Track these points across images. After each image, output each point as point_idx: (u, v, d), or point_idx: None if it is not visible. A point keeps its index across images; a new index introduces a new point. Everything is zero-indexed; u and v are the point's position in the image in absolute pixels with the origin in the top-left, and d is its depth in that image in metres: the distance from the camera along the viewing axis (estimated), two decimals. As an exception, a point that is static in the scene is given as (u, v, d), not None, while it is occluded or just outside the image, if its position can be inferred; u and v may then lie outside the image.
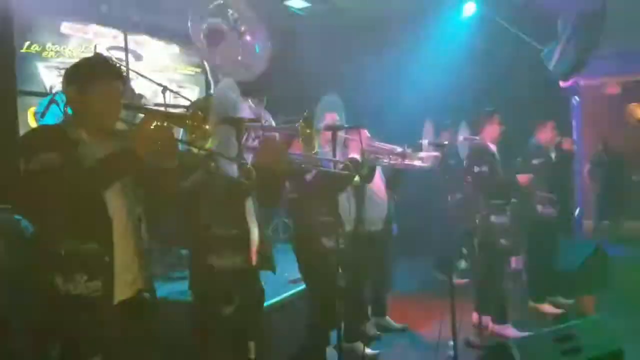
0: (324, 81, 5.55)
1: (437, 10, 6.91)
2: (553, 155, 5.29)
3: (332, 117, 3.23)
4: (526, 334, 4.25)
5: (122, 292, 2.09)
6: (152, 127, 1.97)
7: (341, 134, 2.90)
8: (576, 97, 9.37)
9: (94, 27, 5.76)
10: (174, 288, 4.51)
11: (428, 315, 5.09)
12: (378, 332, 4.63)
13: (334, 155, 2.60)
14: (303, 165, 2.80)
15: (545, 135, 5.22)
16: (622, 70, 9.27)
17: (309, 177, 3.20)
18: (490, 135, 4.55)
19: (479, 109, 4.88)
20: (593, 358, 2.93)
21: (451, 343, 3.80)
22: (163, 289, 4.38)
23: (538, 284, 5.40)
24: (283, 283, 4.46)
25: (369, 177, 4.00)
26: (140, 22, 5.99)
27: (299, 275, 4.59)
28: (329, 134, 2.71)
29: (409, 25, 6.89)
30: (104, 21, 5.69)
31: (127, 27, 5.85)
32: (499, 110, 4.66)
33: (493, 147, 4.56)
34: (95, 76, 2.10)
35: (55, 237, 1.99)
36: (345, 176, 2.93)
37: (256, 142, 2.62)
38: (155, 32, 6.37)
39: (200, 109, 2.08)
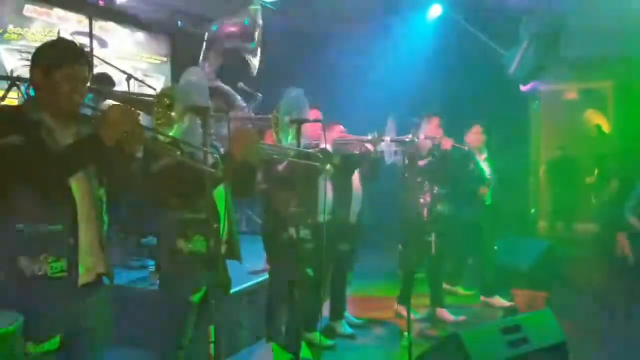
0: (292, 76, 5.61)
1: (404, 10, 7.03)
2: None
3: (315, 114, 3.29)
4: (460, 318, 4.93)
5: (83, 275, 2.10)
6: (119, 112, 1.99)
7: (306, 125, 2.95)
8: (537, 102, 9.67)
9: (58, 11, 5.66)
10: (133, 276, 4.53)
11: (388, 306, 5.27)
12: (350, 331, 4.68)
13: (298, 144, 2.66)
14: (275, 156, 2.86)
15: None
16: (580, 76, 9.59)
17: (280, 167, 3.26)
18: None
19: (442, 109, 5.02)
20: (538, 349, 3.07)
21: (406, 334, 3.93)
22: (122, 277, 4.39)
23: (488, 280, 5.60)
24: (244, 274, 4.51)
25: (348, 167, 4.11)
26: (106, 8, 5.92)
27: (260, 267, 4.70)
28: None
29: (377, 24, 6.99)
30: (69, 5, 5.61)
31: (92, 12, 5.77)
32: (452, 110, 4.79)
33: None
34: (61, 60, 2.10)
35: (18, 218, 1.99)
36: (316, 167, 3.00)
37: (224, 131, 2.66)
38: (121, 18, 6.31)
39: (166, 96, 2.12)
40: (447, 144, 4.75)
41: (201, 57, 6.11)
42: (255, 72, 6.00)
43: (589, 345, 4.21)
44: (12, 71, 5.03)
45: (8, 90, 4.11)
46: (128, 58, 6.45)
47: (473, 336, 3.06)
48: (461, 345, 2.96)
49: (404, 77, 6.76)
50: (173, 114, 2.12)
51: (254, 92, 5.64)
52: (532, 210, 9.42)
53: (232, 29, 6.07)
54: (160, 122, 2.09)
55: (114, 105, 2.05)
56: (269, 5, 6.85)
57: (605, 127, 10.45)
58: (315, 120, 2.96)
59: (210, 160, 2.54)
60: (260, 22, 6.03)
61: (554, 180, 10.00)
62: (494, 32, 6.71)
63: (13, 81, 4.11)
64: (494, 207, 5.70)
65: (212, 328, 2.12)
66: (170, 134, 2.15)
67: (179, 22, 6.87)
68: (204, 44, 6.09)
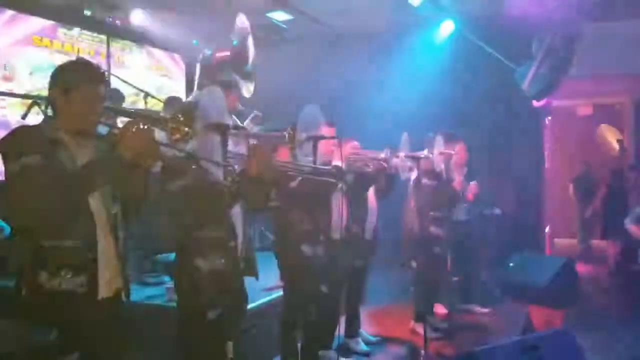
0: (305, 93, 5.65)
1: (416, 27, 7.07)
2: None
3: (329, 131, 3.32)
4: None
5: (102, 289, 2.12)
6: (134, 129, 2.03)
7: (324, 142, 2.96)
8: (548, 117, 9.63)
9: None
10: (149, 292, 4.54)
11: (403, 323, 5.22)
12: (366, 349, 4.64)
13: (315, 164, 2.67)
14: (290, 173, 2.87)
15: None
16: (594, 91, 9.55)
17: (293, 184, 3.26)
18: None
19: (454, 125, 5.03)
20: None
21: (423, 352, 3.90)
22: (138, 294, 4.40)
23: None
24: (258, 291, 4.50)
25: (363, 184, 4.11)
26: (123, 27, 6.01)
27: (273, 284, 4.69)
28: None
29: (390, 40, 7.04)
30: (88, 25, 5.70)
31: (110, 31, 5.87)
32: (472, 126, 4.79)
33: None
34: (79, 80, 2.16)
35: (39, 235, 2.02)
36: (329, 184, 3.00)
37: (239, 148, 2.68)
38: (138, 37, 6.40)
39: (180, 112, 2.14)
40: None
41: (195, 86, 6.00)
42: (249, 94, 5.91)
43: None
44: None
45: (29, 109, 4.19)
46: (144, 76, 6.53)
47: (490, 355, 3.04)
48: (478, 364, 2.94)
49: (416, 93, 6.78)
50: (187, 129, 2.13)
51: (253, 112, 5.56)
52: (547, 229, 9.34)
53: (223, 53, 5.95)
54: (176, 137, 2.11)
55: (129, 122, 2.09)
56: (280, 24, 6.94)
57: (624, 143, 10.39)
58: (331, 137, 2.97)
59: (227, 176, 2.56)
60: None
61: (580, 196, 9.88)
62: (507, 48, 6.71)
63: (34, 100, 4.20)
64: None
65: (230, 344, 2.12)
66: (186, 148, 2.17)
67: (195, 41, 6.96)
68: (198, 69, 5.97)
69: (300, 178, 2.96)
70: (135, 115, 2.15)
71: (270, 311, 4.44)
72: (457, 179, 5.14)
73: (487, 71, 6.88)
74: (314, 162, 2.69)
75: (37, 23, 5.21)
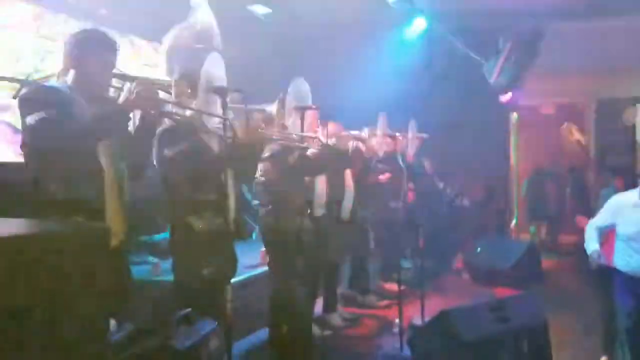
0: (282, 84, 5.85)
1: (389, 23, 7.34)
2: None
3: (313, 113, 3.49)
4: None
5: (112, 238, 2.30)
6: (141, 89, 2.24)
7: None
8: (515, 114, 10.04)
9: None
10: (135, 270, 4.66)
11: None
12: (346, 321, 4.86)
13: (302, 132, 2.87)
14: (281, 143, 3.06)
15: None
16: (556, 91, 9.96)
17: (292, 159, 3.38)
18: None
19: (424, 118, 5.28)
20: (521, 327, 3.31)
21: (397, 321, 4.15)
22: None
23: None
24: (239, 269, 4.67)
25: (341, 165, 4.30)
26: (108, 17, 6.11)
27: (255, 262, 4.87)
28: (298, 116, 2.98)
29: (364, 35, 7.28)
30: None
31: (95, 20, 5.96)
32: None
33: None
34: (91, 47, 2.35)
35: (53, 184, 2.19)
36: (320, 163, 3.17)
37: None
38: (121, 27, 6.49)
39: (186, 77, 2.34)
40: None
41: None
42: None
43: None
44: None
45: (20, 89, 4.28)
46: (127, 65, 6.64)
47: (462, 313, 3.30)
48: (450, 321, 3.20)
49: (390, 87, 7.03)
50: (189, 90, 2.34)
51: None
52: (514, 222, 9.72)
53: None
54: (179, 99, 2.31)
55: (137, 82, 2.30)
56: (259, 16, 7.12)
57: (583, 141, 10.88)
58: (316, 108, 3.15)
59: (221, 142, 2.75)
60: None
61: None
62: (476, 43, 7.02)
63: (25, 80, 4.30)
64: None
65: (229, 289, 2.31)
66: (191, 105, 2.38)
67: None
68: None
69: (298, 153, 3.14)
70: (143, 79, 2.34)
71: (252, 286, 4.62)
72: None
73: (457, 66, 7.16)
74: (301, 131, 2.89)
75: (23, 9, 5.28)
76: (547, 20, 6.63)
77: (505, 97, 7.91)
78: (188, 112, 2.42)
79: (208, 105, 2.36)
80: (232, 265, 2.88)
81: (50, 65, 5.27)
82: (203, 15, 3.37)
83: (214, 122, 2.48)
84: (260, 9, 7.01)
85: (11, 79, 4.94)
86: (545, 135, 10.99)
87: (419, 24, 7.52)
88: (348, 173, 4.68)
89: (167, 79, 2.45)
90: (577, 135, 11.29)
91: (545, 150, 10.79)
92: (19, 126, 4.94)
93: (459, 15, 7.02)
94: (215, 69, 2.35)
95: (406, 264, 6.72)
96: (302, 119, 2.88)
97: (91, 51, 2.35)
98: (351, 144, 4.38)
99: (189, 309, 2.41)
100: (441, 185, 7.08)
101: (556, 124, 11.28)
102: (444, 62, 7.17)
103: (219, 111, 2.35)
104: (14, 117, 5.02)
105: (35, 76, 4.56)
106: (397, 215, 5.14)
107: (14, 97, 4.41)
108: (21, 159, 2.36)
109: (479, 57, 6.78)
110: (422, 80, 7.26)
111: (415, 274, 6.03)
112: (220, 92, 2.32)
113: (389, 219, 5.12)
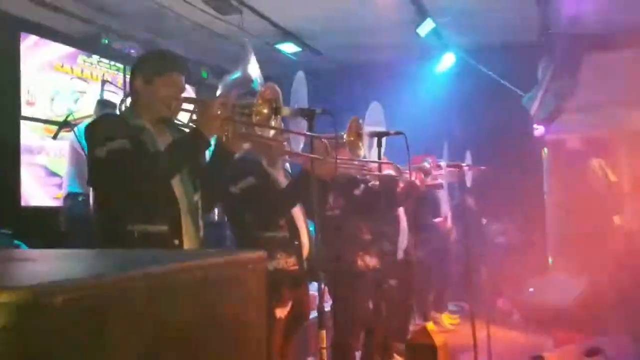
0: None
1: (420, 58, 7.24)
2: None
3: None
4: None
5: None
6: (218, 102, 2.04)
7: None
8: (545, 149, 9.81)
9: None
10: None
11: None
12: None
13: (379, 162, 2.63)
14: (357, 176, 2.81)
15: None
16: (584, 125, 9.75)
17: (357, 192, 3.16)
18: None
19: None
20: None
21: None
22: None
23: None
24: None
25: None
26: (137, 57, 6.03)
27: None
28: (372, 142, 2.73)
29: (394, 73, 7.18)
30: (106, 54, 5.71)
31: (126, 60, 5.87)
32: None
33: None
34: (162, 67, 2.16)
35: (127, 219, 1.95)
36: (398, 194, 2.92)
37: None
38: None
39: (263, 97, 2.12)
40: None
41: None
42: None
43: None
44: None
45: (59, 130, 4.12)
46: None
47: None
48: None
49: (421, 121, 6.85)
50: (265, 111, 2.11)
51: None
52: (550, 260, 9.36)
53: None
54: (258, 119, 2.09)
55: (214, 101, 2.09)
56: (290, 56, 7.02)
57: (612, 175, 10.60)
58: (397, 133, 2.85)
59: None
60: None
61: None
62: (512, 74, 6.87)
63: (64, 121, 4.15)
64: None
65: (323, 333, 2.02)
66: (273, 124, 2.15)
67: (204, 73, 7.00)
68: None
69: (363, 185, 2.89)
70: (221, 99, 2.13)
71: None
72: None
73: (491, 100, 7.00)
74: (379, 158, 2.64)
75: (59, 49, 5.20)
76: (585, 50, 6.48)
77: (539, 131, 7.72)
78: (271, 133, 2.16)
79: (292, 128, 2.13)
80: (307, 303, 2.61)
81: (84, 106, 5.15)
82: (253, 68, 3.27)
83: (298, 146, 2.24)
84: (289, 48, 6.91)
85: (48, 122, 4.83)
86: (573, 171, 10.74)
87: (448, 59, 7.42)
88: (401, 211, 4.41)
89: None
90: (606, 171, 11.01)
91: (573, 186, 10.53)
92: (54, 168, 4.76)
93: (491, 48, 6.92)
94: (300, 86, 2.13)
95: (451, 306, 6.44)
96: (380, 145, 2.64)
97: (158, 73, 2.14)
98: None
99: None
100: (484, 221, 6.80)
101: (584, 159, 11.04)
102: (476, 97, 7.01)
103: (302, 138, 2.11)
104: (48, 158, 4.87)
105: (71, 117, 4.46)
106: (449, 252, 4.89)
107: (54, 138, 4.25)
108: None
109: (517, 89, 6.62)
110: (452, 116, 7.10)
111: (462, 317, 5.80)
112: (309, 114, 2.07)
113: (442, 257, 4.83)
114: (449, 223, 5.60)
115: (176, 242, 2.02)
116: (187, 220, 2.10)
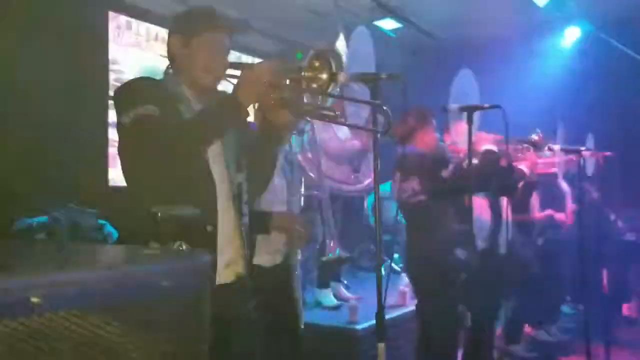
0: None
1: (540, 33, 6.53)
2: None
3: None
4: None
5: (221, 273, 1.72)
6: (262, 65, 1.71)
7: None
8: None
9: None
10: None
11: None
12: None
13: (469, 140, 2.15)
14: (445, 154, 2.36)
15: None
16: None
17: (445, 173, 2.68)
18: None
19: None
20: None
21: None
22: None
23: None
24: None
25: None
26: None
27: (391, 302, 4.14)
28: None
29: (512, 48, 6.54)
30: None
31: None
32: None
33: None
34: (201, 26, 1.85)
35: (148, 199, 1.66)
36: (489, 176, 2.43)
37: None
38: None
39: (317, 57, 1.73)
40: None
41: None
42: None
43: None
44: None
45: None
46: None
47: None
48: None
49: (548, 96, 6.23)
50: (324, 76, 1.72)
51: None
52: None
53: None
54: (315, 86, 1.71)
55: (256, 66, 1.75)
56: (389, 33, 6.57)
57: None
58: (492, 106, 2.29)
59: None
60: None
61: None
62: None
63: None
64: None
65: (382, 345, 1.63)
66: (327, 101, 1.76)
67: (299, 55, 6.76)
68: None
69: (452, 165, 2.42)
70: (266, 64, 1.77)
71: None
72: None
73: (623, 76, 6.15)
74: (469, 140, 2.16)
75: (149, 29, 5.20)
76: None
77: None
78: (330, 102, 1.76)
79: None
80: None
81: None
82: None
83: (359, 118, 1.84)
84: (388, 24, 6.44)
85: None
86: None
87: (573, 33, 6.64)
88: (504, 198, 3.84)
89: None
90: None
91: None
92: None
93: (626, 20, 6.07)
94: (363, 50, 1.72)
95: (566, 309, 5.71)
96: (470, 122, 2.15)
97: (198, 32, 1.84)
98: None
99: None
100: (612, 216, 5.96)
101: None
102: (607, 74, 6.19)
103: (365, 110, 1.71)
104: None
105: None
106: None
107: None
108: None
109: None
110: (578, 95, 6.33)
111: (577, 322, 5.07)
112: (371, 80, 1.66)
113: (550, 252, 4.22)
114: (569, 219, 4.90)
115: (209, 228, 1.71)
116: (226, 204, 1.79)
